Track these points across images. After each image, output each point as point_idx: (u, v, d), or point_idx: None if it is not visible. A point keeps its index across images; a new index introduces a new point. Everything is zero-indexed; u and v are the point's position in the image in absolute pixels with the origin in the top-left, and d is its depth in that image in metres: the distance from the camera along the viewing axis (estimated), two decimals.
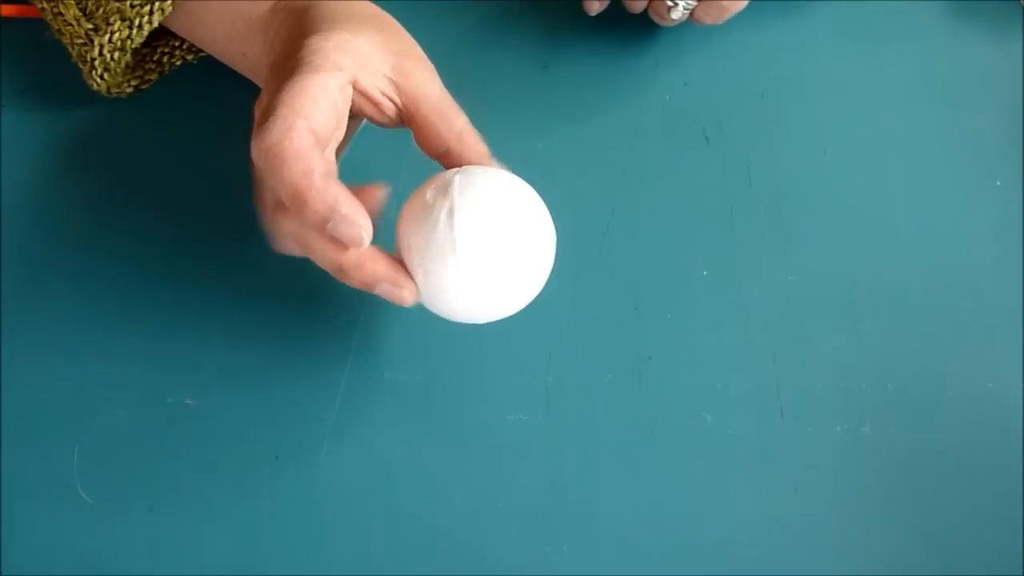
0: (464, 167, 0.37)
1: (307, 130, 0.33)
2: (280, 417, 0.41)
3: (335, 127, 0.36)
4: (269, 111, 0.34)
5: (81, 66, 0.44)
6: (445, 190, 0.35)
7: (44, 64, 0.47)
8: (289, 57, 0.36)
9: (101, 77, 0.43)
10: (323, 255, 0.35)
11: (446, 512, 0.39)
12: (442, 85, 0.38)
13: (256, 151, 0.33)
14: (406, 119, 0.38)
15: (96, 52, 0.42)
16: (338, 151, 0.38)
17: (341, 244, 0.34)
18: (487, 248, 0.35)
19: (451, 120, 0.37)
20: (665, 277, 0.44)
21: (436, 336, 0.42)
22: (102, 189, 0.45)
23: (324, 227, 0.33)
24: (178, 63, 0.47)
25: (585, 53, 0.50)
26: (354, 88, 0.36)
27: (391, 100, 0.38)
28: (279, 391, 0.41)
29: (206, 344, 0.42)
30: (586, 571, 0.38)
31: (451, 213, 0.34)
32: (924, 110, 0.49)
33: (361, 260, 0.35)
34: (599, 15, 0.48)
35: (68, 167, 0.46)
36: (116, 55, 0.42)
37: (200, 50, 0.46)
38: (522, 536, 0.39)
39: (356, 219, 0.33)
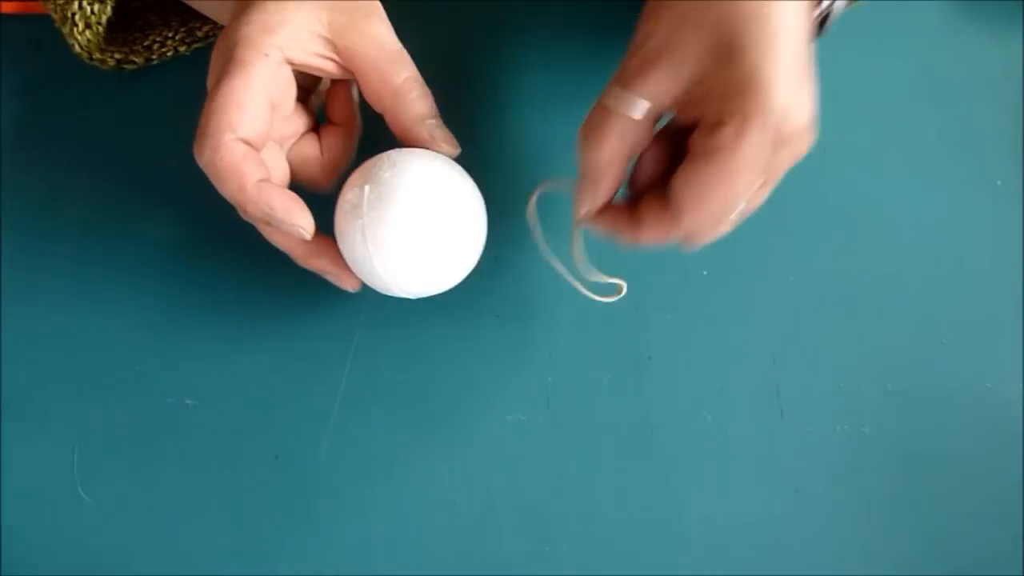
0: (390, 152, 0.36)
1: (235, 142, 0.34)
2: (280, 417, 0.41)
3: (269, 120, 0.36)
4: (202, 120, 0.34)
5: (63, 29, 0.43)
6: (364, 178, 0.36)
7: (44, 64, 0.47)
8: (235, 26, 0.35)
9: (83, 34, 0.43)
10: (276, 243, 0.38)
11: (446, 512, 0.39)
12: (388, 37, 0.36)
13: (199, 162, 0.35)
14: (350, 74, 0.37)
15: (76, 6, 0.42)
16: (312, 103, 0.40)
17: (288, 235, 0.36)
18: (401, 234, 0.35)
19: (389, 76, 0.36)
20: (665, 277, 0.44)
21: (436, 336, 0.42)
22: (102, 189, 0.45)
23: (268, 226, 0.36)
24: (170, 54, 0.46)
25: (585, 53, 0.49)
26: (290, 64, 0.36)
27: (330, 59, 0.36)
28: (279, 391, 0.41)
29: (206, 344, 0.42)
30: (586, 571, 0.38)
31: (366, 207, 0.35)
32: (924, 110, 0.49)
33: (306, 257, 0.38)
34: (599, 13, 0.48)
35: (68, 166, 0.45)
36: (96, 8, 0.42)
37: (195, 42, 0.46)
38: (522, 536, 0.39)
39: (292, 218, 0.35)
